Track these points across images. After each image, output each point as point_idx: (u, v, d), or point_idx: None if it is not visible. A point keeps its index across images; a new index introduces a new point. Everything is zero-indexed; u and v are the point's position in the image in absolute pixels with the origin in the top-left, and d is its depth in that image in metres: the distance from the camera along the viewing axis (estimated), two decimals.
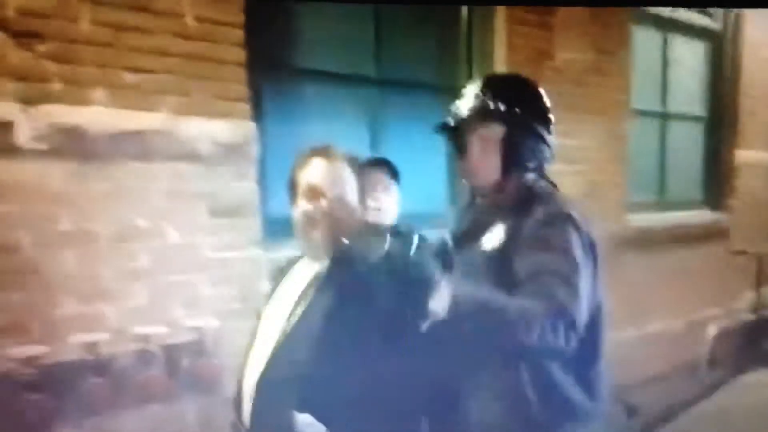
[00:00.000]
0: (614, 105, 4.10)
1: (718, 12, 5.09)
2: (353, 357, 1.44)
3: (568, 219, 1.49)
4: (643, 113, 4.62)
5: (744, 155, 5.30)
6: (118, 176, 2.26)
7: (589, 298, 1.43)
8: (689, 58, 5.07)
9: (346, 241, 1.43)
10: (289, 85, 2.91)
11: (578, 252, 1.44)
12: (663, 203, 4.90)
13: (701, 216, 5.13)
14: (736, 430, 4.11)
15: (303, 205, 1.50)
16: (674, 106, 4.94)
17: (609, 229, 4.08)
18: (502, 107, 1.56)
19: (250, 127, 2.53)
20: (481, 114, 1.58)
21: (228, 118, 2.47)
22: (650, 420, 4.10)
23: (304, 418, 1.43)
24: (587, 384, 1.56)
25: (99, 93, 2.20)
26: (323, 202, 1.48)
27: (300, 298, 1.51)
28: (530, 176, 1.62)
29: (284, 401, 1.45)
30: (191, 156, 2.40)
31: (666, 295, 4.69)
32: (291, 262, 1.68)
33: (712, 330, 5.07)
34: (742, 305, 5.41)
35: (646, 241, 4.46)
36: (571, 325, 1.34)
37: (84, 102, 2.17)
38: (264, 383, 1.50)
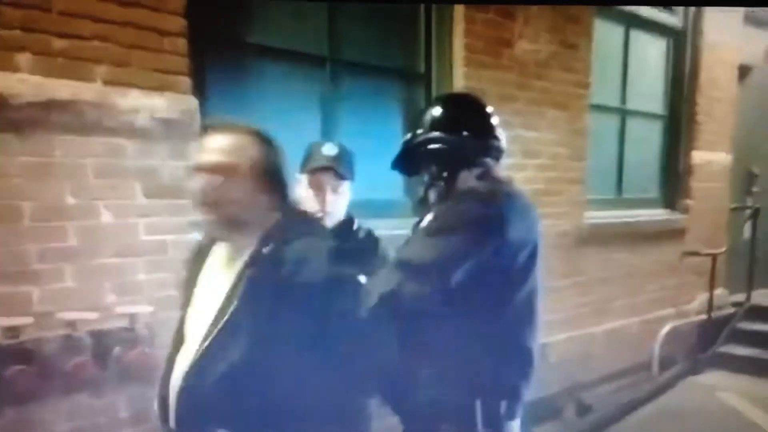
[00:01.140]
0: (574, 99, 4.09)
1: (680, 10, 5.12)
2: (286, 368, 1.37)
3: (473, 193, 1.66)
4: (603, 109, 4.62)
5: (701, 156, 5.35)
6: (46, 149, 2.13)
7: (443, 254, 1.58)
8: (650, 54, 5.10)
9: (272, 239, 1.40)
10: (236, 59, 2.80)
11: (461, 222, 1.60)
12: (620, 201, 4.92)
13: (657, 215, 5.16)
14: (686, 429, 4.15)
15: (199, 181, 1.40)
16: (634, 103, 4.96)
17: (566, 225, 4.08)
18: (446, 137, 1.76)
19: (191, 102, 2.41)
20: (426, 140, 1.78)
21: (167, 92, 2.35)
22: (602, 418, 4.10)
23: None
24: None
25: (25, 58, 2.06)
26: (217, 178, 1.39)
27: (227, 299, 1.42)
28: (474, 174, 1.77)
29: (208, 414, 1.39)
30: (127, 130, 2.27)
31: (621, 294, 4.73)
32: (204, 246, 1.59)
33: (665, 330, 5.10)
34: (696, 306, 5.46)
35: (603, 238, 4.46)
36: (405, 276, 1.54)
37: (8, 67, 2.03)
38: (187, 391, 1.42)
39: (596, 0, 4.33)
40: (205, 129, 1.49)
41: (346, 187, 2.09)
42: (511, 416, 1.65)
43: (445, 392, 1.62)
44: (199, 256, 1.59)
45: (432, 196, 1.80)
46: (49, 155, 2.13)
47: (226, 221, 1.43)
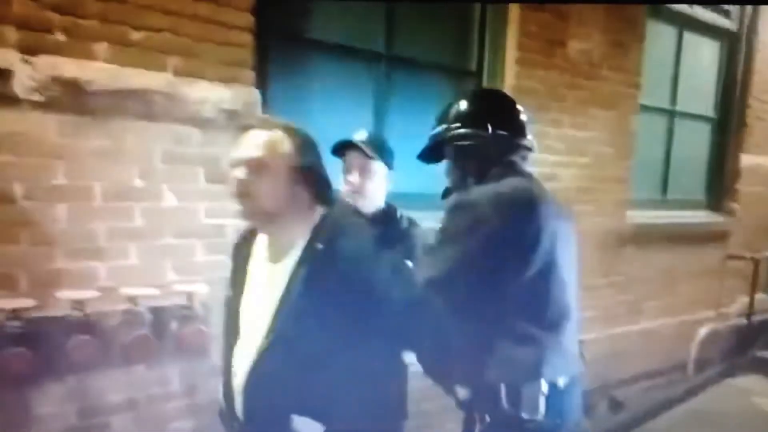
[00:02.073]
0: (624, 99, 4.06)
1: (735, 12, 5.02)
2: (352, 356, 1.43)
3: (467, 207, 1.67)
4: (652, 109, 4.57)
5: (749, 159, 5.26)
6: (118, 134, 2.24)
7: (447, 248, 1.66)
8: (702, 57, 5.01)
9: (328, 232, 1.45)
10: (297, 54, 2.86)
11: (455, 218, 1.67)
12: (664, 202, 4.88)
13: (702, 217, 5.10)
14: None
15: (235, 175, 1.46)
16: (684, 104, 4.89)
17: (609, 223, 4.08)
18: (470, 132, 1.79)
19: (254, 94, 2.50)
20: (453, 136, 1.82)
21: (232, 84, 2.43)
22: (634, 416, 4.11)
23: (301, 419, 1.44)
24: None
25: (102, 48, 2.16)
26: (252, 172, 1.45)
27: (285, 293, 1.47)
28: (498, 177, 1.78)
29: (280, 403, 1.44)
30: (193, 119, 2.37)
31: (660, 294, 4.70)
32: (248, 237, 1.64)
33: (703, 332, 5.06)
34: (736, 309, 5.40)
35: (645, 238, 4.44)
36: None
37: (86, 56, 2.14)
38: (256, 383, 1.48)
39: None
40: (246, 127, 1.54)
41: (378, 169, 2.12)
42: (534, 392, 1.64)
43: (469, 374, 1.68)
44: (243, 247, 1.64)
45: (457, 192, 1.82)
46: (121, 140, 2.24)
47: (261, 213, 1.47)
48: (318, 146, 1.53)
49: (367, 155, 2.09)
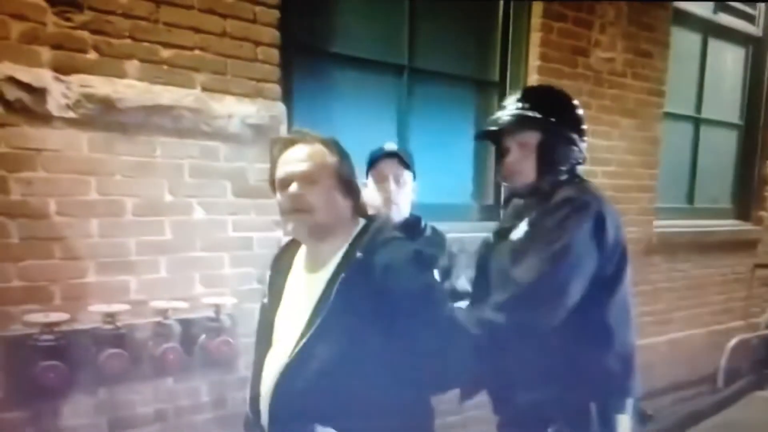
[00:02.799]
0: (648, 107, 4.02)
1: (760, 18, 4.95)
2: (379, 369, 1.42)
3: (575, 201, 1.62)
4: (677, 117, 4.53)
5: None
6: (148, 150, 2.28)
7: (570, 279, 1.58)
8: (727, 63, 4.95)
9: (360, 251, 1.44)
10: (320, 68, 2.90)
11: (574, 238, 1.57)
12: (691, 210, 4.82)
13: (729, 226, 5.02)
14: None
15: (289, 190, 1.46)
16: (709, 111, 4.83)
17: (635, 233, 4.03)
18: (538, 115, 1.71)
19: (279, 108, 2.53)
20: (520, 122, 1.73)
21: (258, 99, 2.47)
22: (663, 429, 4.05)
23: (324, 429, 1.43)
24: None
25: (133, 65, 2.21)
26: (307, 188, 1.45)
27: (320, 302, 1.47)
28: (562, 177, 1.75)
29: (305, 412, 1.44)
30: (220, 134, 2.40)
31: (688, 304, 4.63)
32: (289, 251, 1.65)
33: (732, 342, 4.97)
34: (766, 319, 5.29)
35: (672, 247, 4.39)
36: (531, 308, 1.57)
37: (117, 74, 2.19)
38: (283, 391, 1.48)
39: None
40: (283, 141, 1.54)
41: (409, 179, 2.14)
42: (620, 410, 1.67)
43: (553, 394, 1.65)
44: (284, 258, 1.65)
45: (521, 199, 1.78)
46: (151, 155, 2.28)
47: (316, 227, 1.48)
48: (351, 158, 1.54)
49: (404, 165, 2.12)
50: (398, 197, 2.12)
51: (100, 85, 2.14)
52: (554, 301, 1.57)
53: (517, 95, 1.80)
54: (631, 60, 3.85)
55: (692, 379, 4.70)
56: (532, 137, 1.71)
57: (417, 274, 1.45)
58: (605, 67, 3.72)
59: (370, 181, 2.16)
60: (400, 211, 2.14)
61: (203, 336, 2.43)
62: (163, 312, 2.32)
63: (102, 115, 2.15)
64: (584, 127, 1.79)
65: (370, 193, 2.15)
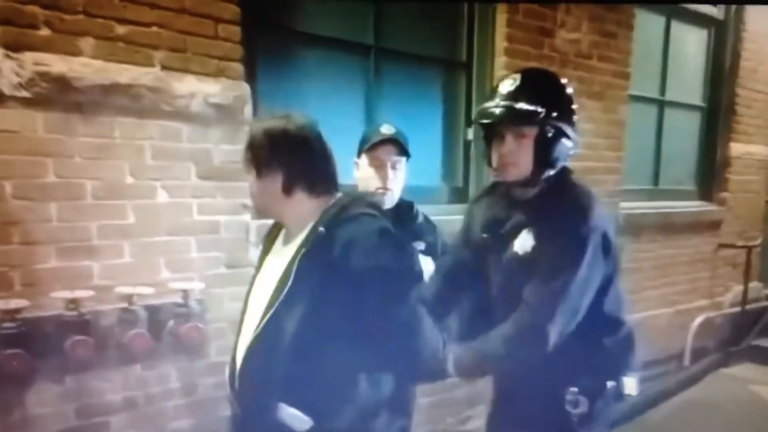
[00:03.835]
0: (613, 89, 4.06)
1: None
2: (341, 346, 1.41)
3: (590, 231, 1.62)
4: (641, 99, 4.58)
5: (739, 148, 5.27)
6: (106, 130, 2.22)
7: (582, 298, 1.64)
8: (690, 45, 5.03)
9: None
10: (285, 47, 2.85)
11: (586, 263, 1.60)
12: (656, 192, 4.89)
13: (693, 207, 5.11)
14: (716, 421, 4.14)
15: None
16: (673, 93, 4.90)
17: (612, 220, 4.07)
18: (540, 110, 1.63)
19: (243, 87, 2.48)
20: (520, 116, 1.65)
21: (221, 78, 2.42)
22: (633, 406, 4.11)
23: (289, 410, 1.41)
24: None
25: (88, 43, 2.14)
26: (252, 175, 1.48)
27: (283, 278, 1.45)
28: (558, 173, 1.73)
29: (269, 389, 1.42)
30: (182, 114, 2.35)
31: (654, 284, 4.72)
32: (277, 225, 1.64)
33: (698, 321, 5.08)
34: (730, 298, 5.42)
35: (638, 228, 4.45)
36: (544, 339, 1.59)
37: (72, 51, 2.11)
38: (248, 367, 1.47)
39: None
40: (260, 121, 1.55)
41: (404, 165, 2.11)
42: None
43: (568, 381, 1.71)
44: (268, 238, 1.65)
45: (515, 180, 1.73)
46: (110, 136, 2.22)
47: (268, 215, 1.53)
48: (319, 137, 1.49)
49: (403, 151, 2.08)
50: (393, 183, 2.08)
51: (55, 63, 2.07)
52: (572, 321, 1.63)
53: (516, 82, 1.70)
54: (597, 41, 3.87)
55: (660, 358, 4.78)
56: (531, 130, 1.65)
57: (379, 251, 1.42)
58: (571, 48, 3.74)
59: (363, 161, 2.12)
60: (393, 197, 2.11)
61: (171, 322, 2.39)
62: (129, 298, 2.28)
63: (57, 95, 2.08)
64: (576, 116, 1.74)
65: (362, 174, 2.12)
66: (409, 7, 3.23)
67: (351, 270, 1.38)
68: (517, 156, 1.67)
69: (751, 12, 5.07)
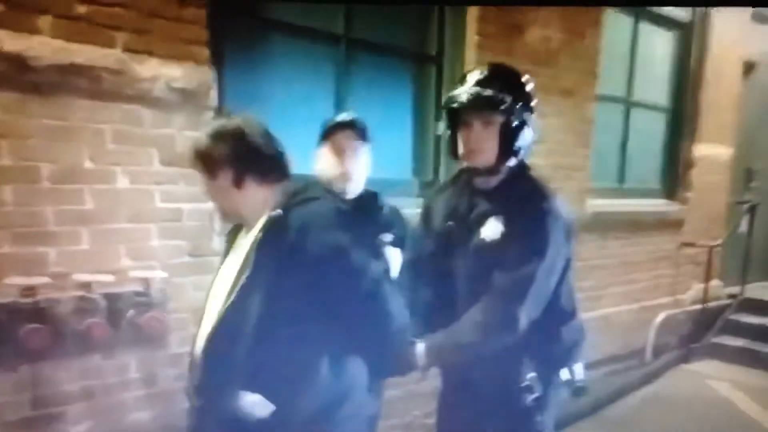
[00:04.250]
0: (582, 87, 4.11)
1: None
2: (303, 330, 1.41)
3: (554, 217, 1.68)
4: (609, 98, 4.65)
5: (702, 149, 5.39)
6: (66, 113, 2.16)
7: (549, 284, 1.70)
8: (657, 47, 5.11)
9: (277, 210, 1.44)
10: (254, 34, 2.80)
11: (551, 248, 1.66)
12: (621, 190, 4.97)
13: (657, 205, 5.21)
14: (676, 416, 4.22)
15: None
16: (639, 94, 4.98)
17: (569, 211, 4.12)
18: (507, 98, 1.69)
19: (208, 73, 2.43)
20: (488, 102, 1.70)
21: (185, 62, 2.36)
22: (596, 401, 4.17)
23: (250, 397, 1.40)
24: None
25: (46, 21, 2.07)
26: (204, 178, 1.53)
27: (242, 267, 1.47)
28: (520, 161, 1.79)
29: (229, 377, 1.42)
30: (144, 98, 2.30)
31: (618, 280, 4.79)
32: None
33: (660, 318, 5.18)
34: (691, 296, 5.53)
35: (603, 225, 4.51)
36: (515, 323, 1.64)
37: (29, 29, 2.04)
38: (209, 356, 1.47)
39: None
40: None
41: (366, 151, 2.10)
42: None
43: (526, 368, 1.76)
44: (233, 229, 1.66)
45: (479, 167, 1.76)
46: (69, 119, 2.16)
47: (229, 214, 1.57)
48: (265, 132, 1.53)
49: (362, 137, 2.07)
50: (355, 171, 2.06)
51: (11, 41, 1.99)
52: (540, 305, 1.68)
53: (483, 72, 1.76)
54: (567, 40, 3.91)
55: (623, 353, 4.87)
56: (498, 117, 1.71)
57: (335, 231, 1.45)
58: (541, 45, 3.77)
59: (323, 151, 2.10)
60: (356, 186, 2.09)
61: (131, 311, 2.34)
62: (87, 285, 2.23)
63: (13, 74, 2.01)
64: (535, 114, 1.82)
65: (322, 165, 2.10)
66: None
67: (309, 252, 1.40)
68: (484, 143, 1.72)
69: (717, 17, 5.17)
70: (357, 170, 2.08)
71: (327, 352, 1.46)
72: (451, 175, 2.01)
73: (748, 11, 5.46)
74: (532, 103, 1.79)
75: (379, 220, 2.14)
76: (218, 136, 1.49)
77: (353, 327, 1.48)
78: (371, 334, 1.51)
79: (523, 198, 1.72)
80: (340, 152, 2.06)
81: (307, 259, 1.39)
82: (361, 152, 2.08)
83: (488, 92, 1.70)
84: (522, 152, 1.77)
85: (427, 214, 1.98)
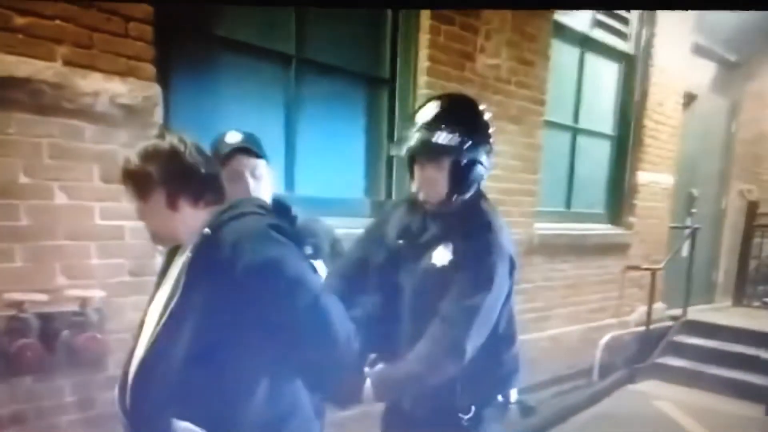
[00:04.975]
0: (529, 115, 4.21)
1: (633, 36, 5.33)
2: (239, 353, 1.37)
3: (502, 251, 1.71)
4: (556, 126, 4.77)
5: (646, 176, 5.58)
6: (1, 126, 2.09)
7: (492, 314, 1.71)
8: (603, 77, 5.29)
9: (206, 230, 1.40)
10: (203, 51, 2.78)
11: (497, 281, 1.68)
12: (568, 214, 5.09)
13: (603, 230, 5.35)
14: None
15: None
16: (585, 122, 5.13)
17: (519, 235, 4.19)
18: (455, 142, 1.70)
19: (154, 89, 2.40)
20: (436, 149, 1.71)
21: (130, 78, 2.33)
22: (545, 420, 4.21)
23: (182, 424, 1.36)
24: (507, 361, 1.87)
25: None
26: (138, 203, 1.47)
27: (174, 287, 1.41)
28: (473, 193, 1.80)
29: (161, 404, 1.37)
30: (86, 113, 2.25)
31: (566, 302, 4.89)
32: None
33: (605, 339, 5.29)
34: (635, 318, 5.68)
35: (551, 248, 4.61)
36: (461, 353, 1.65)
37: None
38: (140, 382, 1.41)
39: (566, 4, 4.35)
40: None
41: (266, 170, 2.01)
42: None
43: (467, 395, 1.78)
44: (169, 255, 1.59)
45: (432, 199, 1.78)
46: (3, 132, 2.09)
47: (163, 238, 1.53)
48: (195, 150, 1.47)
49: (256, 155, 1.98)
50: (258, 192, 1.98)
51: None
52: (484, 336, 1.69)
53: (435, 109, 1.76)
54: (515, 68, 4.01)
55: (570, 373, 4.95)
56: (447, 160, 1.72)
57: (269, 246, 1.40)
58: (491, 73, 3.86)
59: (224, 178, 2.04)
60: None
61: (66, 331, 2.26)
62: (18, 304, 2.15)
63: None
64: (492, 142, 1.81)
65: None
66: (333, 19, 3.22)
67: (242, 269, 1.35)
68: (435, 182, 1.75)
69: (659, 48, 5.40)
70: (260, 191, 1.99)
71: (264, 374, 1.42)
72: (408, 194, 2.00)
73: (688, 44, 5.72)
74: (490, 132, 1.79)
75: (297, 233, 2.10)
76: (150, 155, 1.43)
77: (293, 343, 1.43)
78: (314, 349, 1.46)
79: (473, 229, 1.73)
80: (239, 179, 1.94)
81: (242, 276, 1.35)
82: (259, 172, 1.99)
83: (437, 136, 1.70)
84: (474, 186, 1.79)
85: (378, 227, 1.97)
